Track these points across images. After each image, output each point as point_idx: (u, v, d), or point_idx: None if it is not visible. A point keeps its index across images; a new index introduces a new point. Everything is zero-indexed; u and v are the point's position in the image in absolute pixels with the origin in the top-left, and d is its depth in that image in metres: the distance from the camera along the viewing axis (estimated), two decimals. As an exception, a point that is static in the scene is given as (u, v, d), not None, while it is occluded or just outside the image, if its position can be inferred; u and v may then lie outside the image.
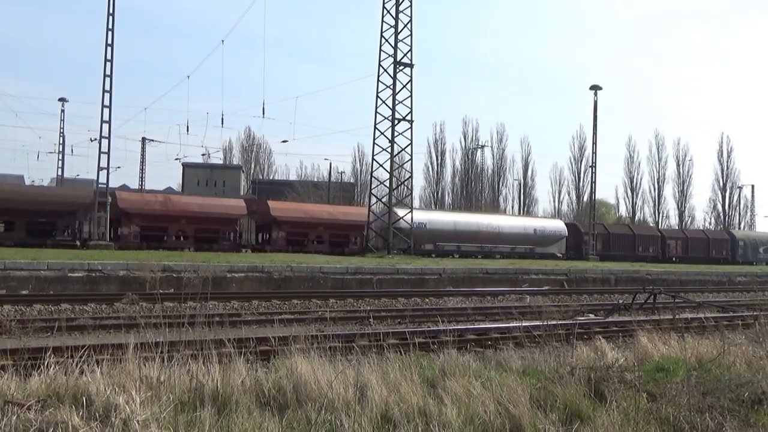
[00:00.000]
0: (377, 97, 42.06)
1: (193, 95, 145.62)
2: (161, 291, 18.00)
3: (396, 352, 8.34)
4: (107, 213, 33.91)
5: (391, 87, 41.75)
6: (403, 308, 18.71)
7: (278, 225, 41.87)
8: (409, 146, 42.70)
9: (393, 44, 41.64)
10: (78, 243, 35.64)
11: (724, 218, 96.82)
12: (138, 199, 41.49)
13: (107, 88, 33.66)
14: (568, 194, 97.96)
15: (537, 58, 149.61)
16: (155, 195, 47.31)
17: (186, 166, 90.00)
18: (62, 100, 61.88)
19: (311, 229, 42.89)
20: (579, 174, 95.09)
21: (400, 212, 41.91)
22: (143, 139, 75.14)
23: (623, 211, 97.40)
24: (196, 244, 38.93)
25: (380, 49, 41.92)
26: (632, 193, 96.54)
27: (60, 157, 63.19)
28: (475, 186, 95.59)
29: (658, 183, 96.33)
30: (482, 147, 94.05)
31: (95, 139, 37.68)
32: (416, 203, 69.31)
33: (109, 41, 33.48)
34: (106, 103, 33.80)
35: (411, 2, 41.55)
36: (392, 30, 41.71)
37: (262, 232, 44.75)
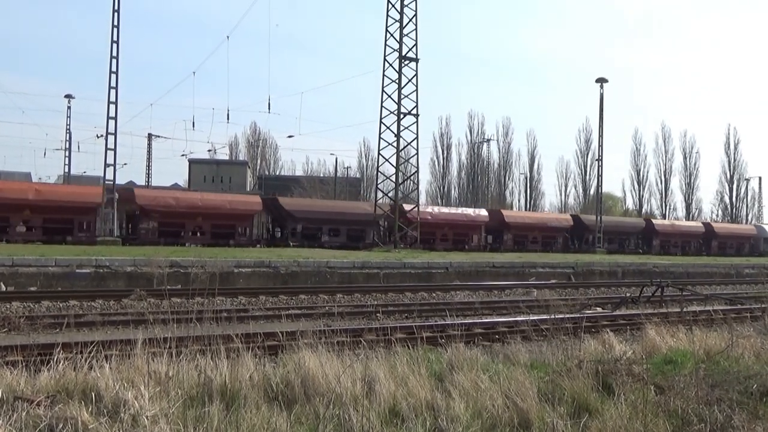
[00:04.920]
0: (383, 91, 42.04)
1: (199, 91, 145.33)
2: (169, 287, 18.20)
3: (403, 346, 8.34)
4: (114, 209, 33.99)
5: (397, 81, 41.72)
6: (410, 302, 18.73)
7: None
8: (415, 140, 42.72)
9: (398, 39, 41.58)
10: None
11: (732, 211, 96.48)
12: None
13: (113, 84, 33.66)
14: (575, 188, 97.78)
15: (543, 51, 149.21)
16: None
17: (192, 162, 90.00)
18: (69, 96, 61.99)
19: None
20: (585, 167, 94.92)
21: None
22: (149, 136, 75.32)
23: (630, 204, 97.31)
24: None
25: (385, 44, 41.89)
26: (639, 186, 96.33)
27: (67, 154, 63.36)
28: (481, 180, 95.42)
29: (664, 175, 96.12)
30: (488, 141, 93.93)
31: (102, 136, 37.84)
32: (422, 198, 69.41)
33: (115, 38, 33.47)
34: (112, 99, 33.79)
35: (416, -4, 41.50)
36: (397, 24, 41.64)
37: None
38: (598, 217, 51.18)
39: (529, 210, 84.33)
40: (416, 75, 41.65)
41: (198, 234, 38.67)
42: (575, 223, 53.46)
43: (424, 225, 43.85)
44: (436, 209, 50.49)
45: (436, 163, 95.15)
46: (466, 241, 46.88)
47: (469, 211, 52.41)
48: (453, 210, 51.38)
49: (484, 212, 51.26)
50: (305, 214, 41.95)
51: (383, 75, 41.96)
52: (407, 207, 43.51)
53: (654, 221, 61.26)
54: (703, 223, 63.39)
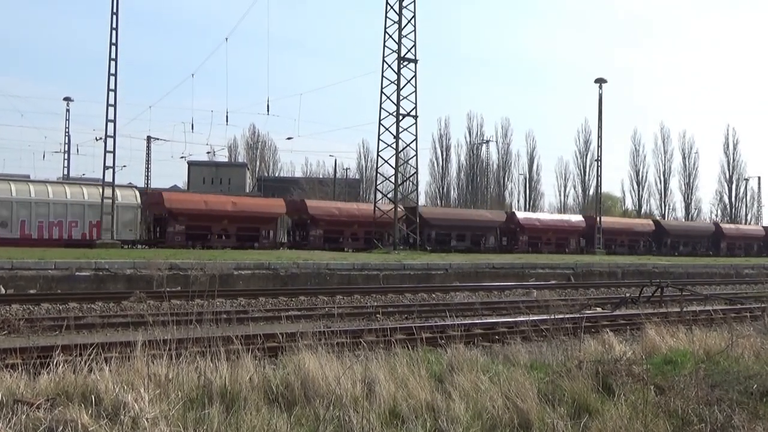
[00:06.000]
0: (381, 93, 42.02)
1: (198, 93, 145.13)
2: (168, 289, 18.18)
3: (403, 347, 8.33)
4: (114, 212, 33.95)
5: (396, 83, 41.71)
6: (410, 303, 18.72)
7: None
8: (414, 142, 42.71)
9: (397, 40, 41.57)
10: None
11: (731, 210, 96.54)
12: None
13: (112, 86, 33.58)
14: (574, 188, 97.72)
15: (543, 51, 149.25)
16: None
17: (191, 164, 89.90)
18: (67, 99, 62.05)
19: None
20: (584, 168, 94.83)
21: None
22: (148, 138, 75.27)
23: (629, 204, 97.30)
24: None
25: (384, 45, 41.86)
26: (638, 186, 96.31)
27: (66, 157, 63.42)
28: (480, 181, 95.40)
29: (664, 176, 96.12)
30: (487, 142, 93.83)
31: (101, 138, 37.79)
32: (422, 199, 69.45)
33: (114, 40, 33.41)
34: (111, 101, 33.72)
35: (414, -3, 41.49)
36: (396, 26, 41.63)
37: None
38: (598, 218, 51.25)
39: (529, 209, 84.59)
40: (415, 76, 41.67)
41: (350, 240, 42.95)
42: (656, 228, 58.04)
43: (532, 230, 49.72)
44: (542, 216, 55.91)
45: (436, 164, 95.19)
46: (565, 244, 51.08)
47: (569, 217, 58.27)
48: (556, 216, 57.06)
49: (580, 218, 56.27)
50: (439, 222, 46.50)
51: (382, 76, 41.97)
52: (520, 215, 51.00)
53: (722, 225, 65.87)
54: (763, 227, 69.36)
